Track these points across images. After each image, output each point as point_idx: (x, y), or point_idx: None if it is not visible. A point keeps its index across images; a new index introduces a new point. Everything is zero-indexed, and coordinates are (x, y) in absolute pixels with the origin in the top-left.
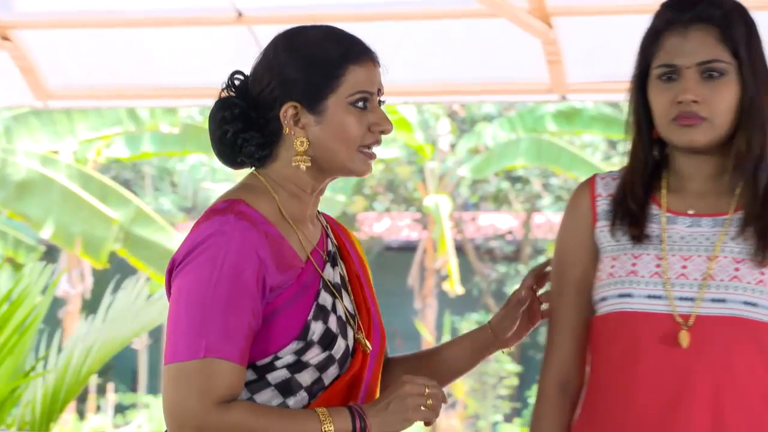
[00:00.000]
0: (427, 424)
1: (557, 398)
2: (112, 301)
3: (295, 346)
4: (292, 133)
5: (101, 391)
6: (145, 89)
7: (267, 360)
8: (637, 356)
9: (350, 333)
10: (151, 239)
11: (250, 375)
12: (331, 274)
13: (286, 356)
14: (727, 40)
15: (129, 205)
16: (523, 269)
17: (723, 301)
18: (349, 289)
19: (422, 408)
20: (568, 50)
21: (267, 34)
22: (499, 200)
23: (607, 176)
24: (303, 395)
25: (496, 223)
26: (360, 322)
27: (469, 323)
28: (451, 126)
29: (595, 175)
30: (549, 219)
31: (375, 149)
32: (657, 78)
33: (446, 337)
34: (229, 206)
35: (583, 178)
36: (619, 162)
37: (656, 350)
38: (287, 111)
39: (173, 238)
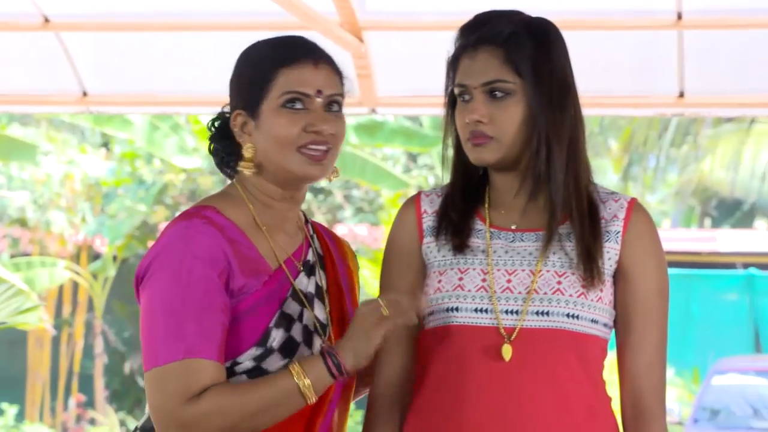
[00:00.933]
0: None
1: (388, 412)
2: None
3: (254, 352)
4: (242, 140)
5: None
6: None
7: (227, 365)
8: (463, 369)
9: (317, 342)
10: None
11: None
12: (305, 284)
13: (246, 362)
14: (511, 61)
15: None
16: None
17: (546, 314)
18: (326, 299)
19: (382, 321)
20: (378, 64)
21: (75, 41)
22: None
23: (432, 193)
24: None
25: None
26: (332, 333)
27: None
28: None
29: (420, 192)
30: (351, 230)
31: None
32: (459, 98)
33: None
34: (195, 211)
35: (386, 190)
36: (419, 174)
37: (481, 363)
38: (236, 119)
39: None
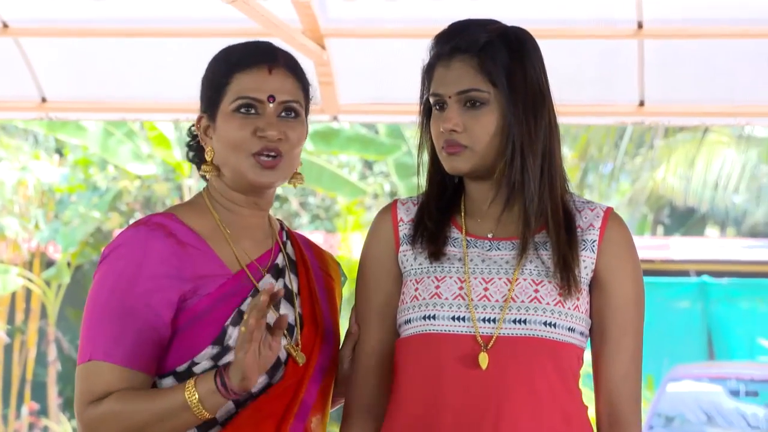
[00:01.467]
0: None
1: (363, 423)
2: None
3: (211, 350)
4: (204, 144)
5: None
6: None
7: (184, 366)
8: (440, 377)
9: (281, 342)
10: None
11: (172, 382)
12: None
13: (203, 362)
14: (485, 70)
15: None
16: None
17: (524, 322)
18: (296, 302)
19: (249, 339)
20: (340, 72)
21: (34, 47)
22: None
23: (408, 201)
24: (228, 404)
25: None
26: (300, 335)
27: None
28: None
29: (396, 201)
30: (307, 237)
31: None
32: (434, 106)
33: None
34: (146, 219)
35: (342, 197)
36: (374, 181)
37: (458, 372)
38: (200, 122)
39: None
